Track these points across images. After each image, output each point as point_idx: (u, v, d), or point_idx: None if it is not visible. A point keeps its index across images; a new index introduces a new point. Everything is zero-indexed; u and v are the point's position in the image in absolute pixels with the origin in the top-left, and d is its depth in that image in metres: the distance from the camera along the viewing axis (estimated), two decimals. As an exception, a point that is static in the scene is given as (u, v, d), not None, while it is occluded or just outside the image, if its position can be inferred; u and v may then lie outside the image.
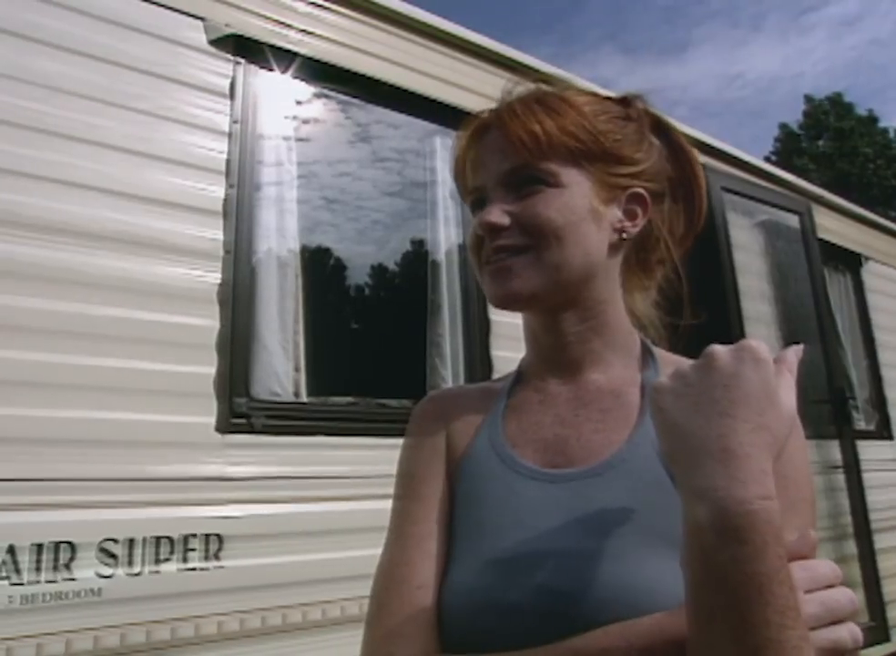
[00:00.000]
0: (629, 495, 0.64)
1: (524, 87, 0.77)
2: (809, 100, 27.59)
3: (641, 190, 0.74)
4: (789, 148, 26.31)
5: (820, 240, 3.89)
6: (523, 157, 0.71)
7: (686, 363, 0.72)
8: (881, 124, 26.75)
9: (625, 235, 0.74)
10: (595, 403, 0.73)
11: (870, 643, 3.39)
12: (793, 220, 3.77)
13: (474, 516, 0.71)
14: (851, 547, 3.45)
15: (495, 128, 0.74)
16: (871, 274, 4.54)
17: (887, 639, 3.47)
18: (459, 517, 0.73)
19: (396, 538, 0.73)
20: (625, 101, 0.78)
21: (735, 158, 3.71)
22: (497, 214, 0.71)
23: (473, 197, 0.77)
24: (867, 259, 4.55)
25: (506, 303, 0.73)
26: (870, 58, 62.87)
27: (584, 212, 0.71)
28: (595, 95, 0.77)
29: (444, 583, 0.69)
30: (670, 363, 0.74)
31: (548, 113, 0.71)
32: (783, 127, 27.85)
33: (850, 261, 4.48)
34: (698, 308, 0.82)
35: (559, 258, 0.70)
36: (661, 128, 0.79)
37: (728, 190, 3.41)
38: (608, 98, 0.78)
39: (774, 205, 3.71)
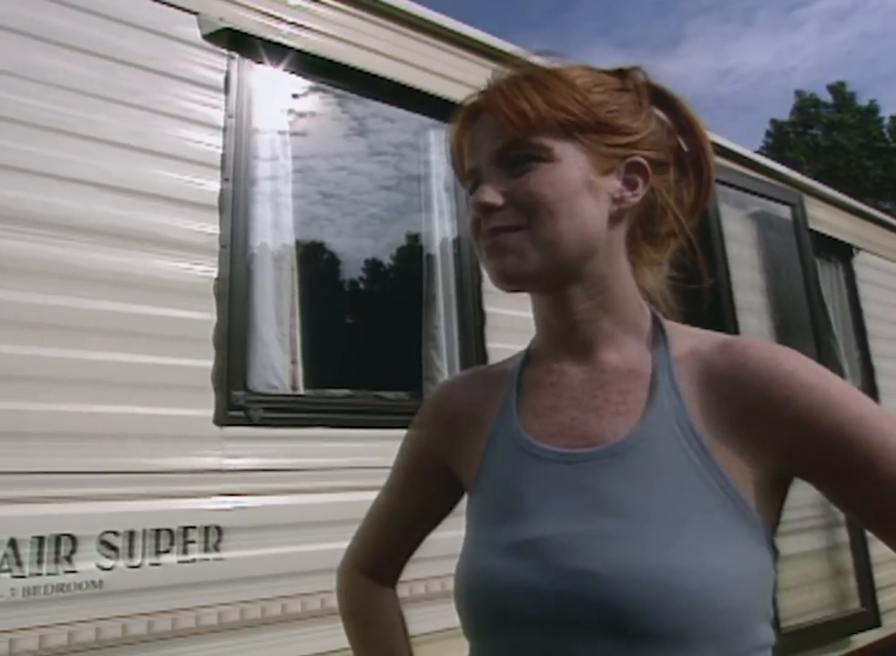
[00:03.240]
0: (648, 474, 0.65)
1: (513, 68, 0.75)
2: (798, 95, 27.85)
3: (640, 159, 0.72)
4: (780, 143, 26.46)
5: (812, 231, 3.91)
6: (513, 134, 0.69)
7: (699, 335, 0.72)
8: (881, 114, 26.96)
9: (624, 205, 0.72)
10: (615, 384, 0.71)
11: (861, 628, 3.44)
12: (785, 212, 3.79)
13: (494, 501, 0.72)
14: (844, 534, 3.49)
15: (485, 109, 0.72)
16: (863, 265, 4.57)
17: (878, 624, 3.52)
18: (479, 504, 0.75)
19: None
20: (620, 73, 0.76)
21: (727, 149, 3.72)
22: (490, 194, 0.70)
23: (471, 180, 0.76)
24: (858, 249, 4.58)
25: (505, 283, 0.71)
26: (860, 53, 63.33)
27: (579, 185, 0.69)
28: (588, 68, 0.75)
29: (466, 568, 0.71)
30: (682, 335, 0.73)
31: (536, 88, 0.70)
32: (774, 122, 28.02)
33: (842, 252, 4.51)
34: (710, 276, 0.79)
35: (553, 233, 0.68)
36: (664, 99, 0.77)
37: (721, 182, 3.43)
38: (603, 71, 0.76)
39: (766, 196, 3.73)
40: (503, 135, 0.70)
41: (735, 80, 75.27)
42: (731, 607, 0.59)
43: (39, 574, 1.60)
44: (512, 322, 2.49)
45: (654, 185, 0.73)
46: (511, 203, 0.69)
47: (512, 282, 0.71)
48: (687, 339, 0.72)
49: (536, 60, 0.76)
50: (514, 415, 0.75)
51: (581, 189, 0.69)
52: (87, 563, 1.66)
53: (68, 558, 1.64)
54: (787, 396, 0.63)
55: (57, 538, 1.63)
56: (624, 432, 0.68)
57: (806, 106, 27.46)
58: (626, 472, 0.65)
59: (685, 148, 0.77)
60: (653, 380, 0.70)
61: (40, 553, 1.61)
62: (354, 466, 2.08)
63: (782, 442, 0.63)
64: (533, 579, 0.64)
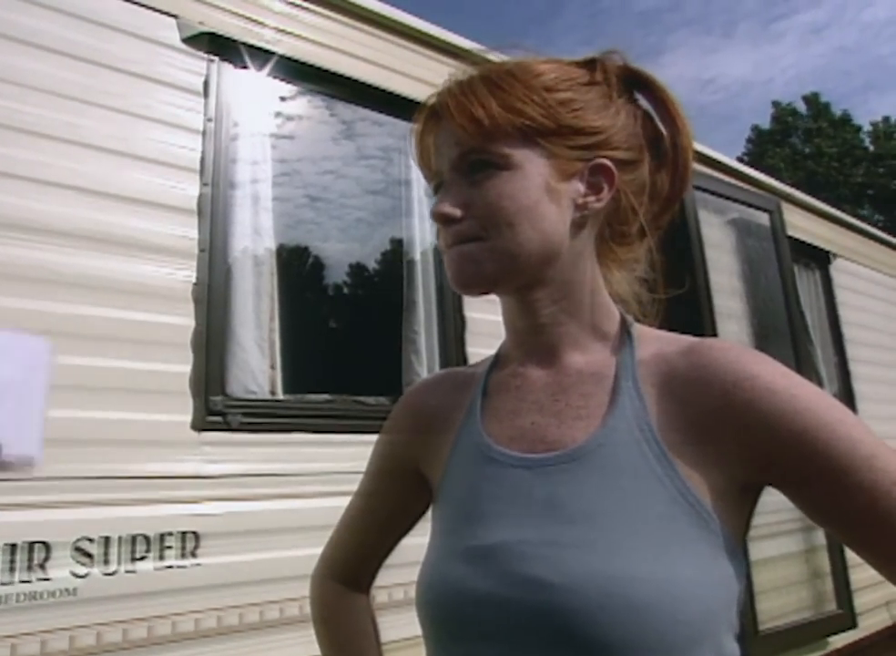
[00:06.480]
0: (605, 480, 0.62)
1: (474, 64, 0.71)
2: (776, 105, 28.40)
3: (605, 161, 0.68)
4: (761, 151, 26.86)
5: (790, 237, 3.96)
6: (469, 142, 0.67)
7: (667, 338, 0.70)
8: (856, 122, 27.50)
9: (587, 212, 0.69)
10: (576, 387, 0.69)
11: (838, 630, 3.47)
12: (763, 218, 3.83)
13: (455, 506, 0.71)
14: (821, 537, 3.53)
15: (441, 114, 0.70)
16: (840, 271, 4.64)
17: (854, 625, 3.55)
18: (442, 509, 0.74)
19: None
20: (590, 64, 0.72)
21: (707, 157, 3.76)
22: (448, 205, 0.68)
23: (434, 183, 0.74)
24: (835, 256, 4.65)
25: (464, 289, 0.70)
26: (836, 65, 64.76)
27: (539, 193, 0.66)
28: (556, 62, 0.71)
29: (425, 575, 0.70)
30: (649, 338, 0.71)
31: (492, 91, 0.66)
32: (755, 128, 28.46)
33: (819, 259, 4.57)
34: (675, 281, 0.77)
35: (513, 245, 0.67)
36: (640, 82, 0.73)
37: (701, 188, 3.46)
38: (573, 63, 0.72)
39: (745, 203, 3.78)
40: (460, 142, 0.68)
41: (715, 90, 76.35)
42: (689, 618, 0.57)
43: (11, 582, 1.57)
44: (492, 327, 2.49)
45: (620, 186, 0.70)
46: (470, 214, 0.68)
47: (467, 289, 0.70)
48: (654, 342, 0.70)
49: (508, 54, 0.73)
50: (477, 419, 0.74)
51: (541, 196, 0.67)
52: (61, 570, 1.64)
53: (42, 566, 1.62)
54: (749, 400, 0.60)
55: (30, 546, 1.61)
56: (583, 437, 0.66)
57: (783, 115, 27.94)
58: (584, 478, 0.63)
59: (663, 131, 0.73)
60: (615, 383, 0.68)
61: (12, 561, 1.58)
62: (333, 472, 2.07)
63: (745, 448, 0.61)
64: (485, 587, 0.62)
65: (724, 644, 0.61)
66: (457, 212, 0.68)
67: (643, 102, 0.74)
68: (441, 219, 0.69)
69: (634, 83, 0.73)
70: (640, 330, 0.73)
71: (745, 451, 0.61)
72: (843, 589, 3.53)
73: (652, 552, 0.59)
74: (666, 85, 0.73)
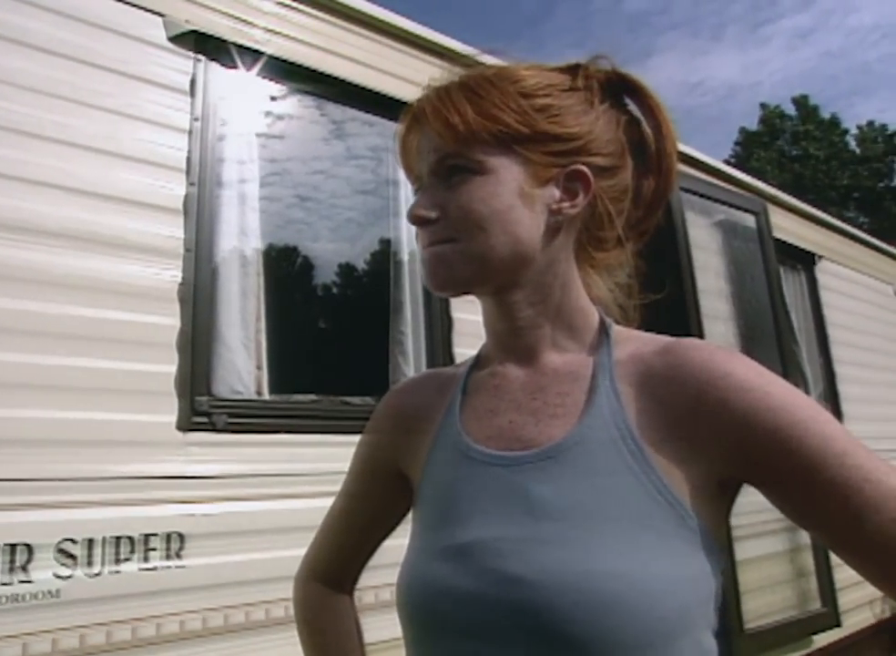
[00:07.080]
0: (581, 477, 0.63)
1: (459, 67, 0.74)
2: (763, 107, 28.67)
3: (582, 167, 0.69)
4: (748, 153, 27.09)
5: (776, 239, 3.99)
6: (445, 147, 0.69)
7: (644, 338, 0.71)
8: (844, 125, 27.81)
9: (561, 217, 0.70)
10: (554, 386, 0.70)
11: (822, 628, 3.50)
12: (749, 220, 3.86)
13: (434, 505, 0.72)
14: (805, 537, 3.55)
15: (420, 119, 0.71)
16: (825, 273, 4.68)
17: (838, 624, 3.58)
18: (422, 508, 0.74)
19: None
20: (573, 69, 0.73)
21: (694, 159, 3.79)
22: (423, 208, 0.71)
23: (416, 185, 0.76)
24: (820, 258, 4.68)
25: (438, 290, 0.72)
26: (822, 69, 65.65)
27: (512, 198, 0.68)
28: (537, 68, 0.72)
29: (404, 574, 0.70)
30: (627, 338, 0.72)
31: (468, 97, 0.68)
32: (742, 130, 28.71)
33: (805, 260, 4.61)
34: (657, 285, 0.78)
35: (485, 248, 0.68)
36: (627, 87, 0.74)
37: (687, 190, 3.48)
38: (556, 68, 0.73)
39: (731, 205, 3.80)
40: (437, 146, 0.70)
41: (703, 93, 76.90)
42: (664, 614, 0.57)
43: (-7, 584, 1.56)
44: (479, 328, 2.49)
45: (597, 192, 0.70)
46: (444, 217, 0.69)
47: (440, 290, 0.72)
48: (632, 342, 0.71)
49: (497, 58, 0.74)
50: (456, 418, 0.75)
51: (514, 201, 0.68)
52: (44, 572, 1.62)
53: (24, 568, 1.60)
54: (722, 399, 0.61)
55: (12, 547, 1.60)
56: (560, 435, 0.66)
57: (771, 117, 28.18)
58: (560, 475, 0.64)
59: (648, 135, 0.74)
60: (593, 383, 0.68)
61: (-6, 562, 1.57)
62: (319, 472, 2.06)
63: (720, 445, 0.61)
64: (462, 584, 0.63)
65: (702, 640, 0.61)
66: (431, 214, 0.70)
67: (631, 106, 0.75)
68: (416, 220, 0.71)
69: (620, 87, 0.74)
70: (618, 331, 0.73)
71: (720, 448, 0.62)
72: (827, 588, 3.56)
73: (628, 548, 0.59)
74: (653, 89, 0.74)
